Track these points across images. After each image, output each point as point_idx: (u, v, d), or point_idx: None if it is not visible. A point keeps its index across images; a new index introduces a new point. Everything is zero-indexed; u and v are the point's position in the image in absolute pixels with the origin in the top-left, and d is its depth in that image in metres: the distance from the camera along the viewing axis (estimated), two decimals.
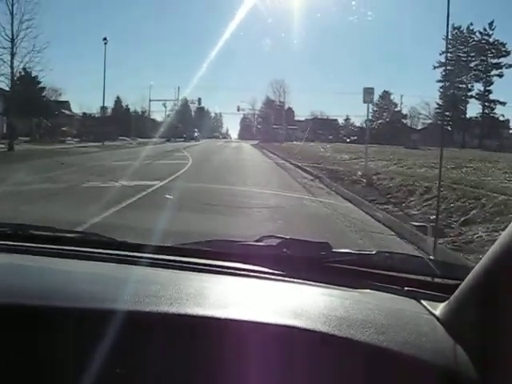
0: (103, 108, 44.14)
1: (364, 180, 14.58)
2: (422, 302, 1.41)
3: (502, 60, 70.59)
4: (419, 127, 72.56)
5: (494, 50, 71.13)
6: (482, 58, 71.90)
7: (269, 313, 1.24)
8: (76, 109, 67.81)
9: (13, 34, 29.05)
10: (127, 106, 70.39)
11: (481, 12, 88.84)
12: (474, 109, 74.36)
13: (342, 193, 13.33)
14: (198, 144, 54.20)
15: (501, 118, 71.75)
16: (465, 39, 72.69)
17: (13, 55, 28.78)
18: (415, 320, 1.28)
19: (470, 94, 73.36)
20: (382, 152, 29.91)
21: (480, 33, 71.43)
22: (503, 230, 1.08)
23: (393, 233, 8.11)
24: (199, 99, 68.25)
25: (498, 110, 71.57)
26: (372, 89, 15.72)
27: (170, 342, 1.20)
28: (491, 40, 70.88)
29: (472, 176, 14.62)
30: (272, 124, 70.78)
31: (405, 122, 75.38)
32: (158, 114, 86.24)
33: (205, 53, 75.77)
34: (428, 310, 1.34)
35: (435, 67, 73.21)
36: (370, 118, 76.60)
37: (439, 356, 1.11)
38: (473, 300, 1.14)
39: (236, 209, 9.75)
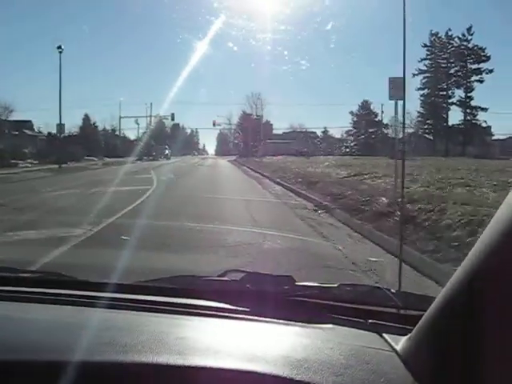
0: (60, 126, 38.52)
1: (395, 211, 9.51)
2: (385, 335, 1.37)
3: (481, 65, 67.48)
4: (401, 137, 67.90)
5: (473, 56, 67.84)
6: (461, 63, 68.76)
7: (227, 357, 1.21)
8: (43, 129, 62.06)
9: None
10: (95, 123, 64.61)
11: (458, 17, 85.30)
12: (455, 116, 71.25)
13: (374, 237, 8.39)
14: (170, 163, 48.14)
15: (483, 125, 68.44)
16: (443, 45, 69.58)
17: None
18: (376, 358, 1.23)
19: (450, 100, 70.15)
20: (377, 165, 25.15)
21: (459, 38, 68.38)
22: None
23: None
24: (172, 114, 62.75)
25: (480, 117, 68.46)
26: (400, 79, 10.43)
27: None
28: (470, 45, 67.76)
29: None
30: (250, 138, 65.92)
31: (386, 131, 70.95)
32: (131, 132, 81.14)
33: (178, 67, 72.10)
34: (390, 344, 1.30)
35: (414, 75, 70.00)
36: (351, 128, 75.58)
37: None
38: (433, 334, 1.09)
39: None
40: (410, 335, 1.22)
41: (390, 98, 11.25)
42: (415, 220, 8.79)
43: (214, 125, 67.70)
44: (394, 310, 1.57)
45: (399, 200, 10.27)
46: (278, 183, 20.35)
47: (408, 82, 73.09)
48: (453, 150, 64.38)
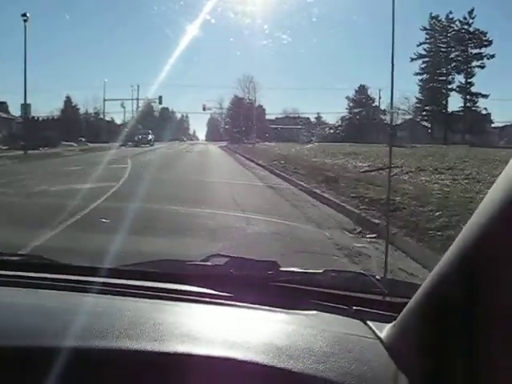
0: (25, 107, 33.16)
1: None
2: (369, 323, 1.34)
3: (483, 50, 64.17)
4: (399, 123, 64.44)
5: (474, 40, 64.34)
6: (462, 48, 65.24)
7: (207, 343, 1.18)
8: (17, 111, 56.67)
9: None
10: (75, 105, 59.04)
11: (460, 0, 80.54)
12: (455, 102, 68.05)
13: None
14: (154, 149, 41.83)
15: (483, 112, 65.18)
16: (444, 29, 65.62)
17: None
18: (359, 345, 1.20)
19: (450, 86, 66.82)
20: (388, 154, 20.93)
21: (460, 21, 64.93)
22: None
23: None
24: (160, 98, 57.82)
25: (481, 104, 65.20)
26: None
27: (101, 380, 1.11)
28: (471, 29, 64.23)
29: None
30: (241, 124, 61.29)
31: (383, 117, 66.75)
32: (117, 116, 76.03)
33: (167, 48, 66.62)
34: (374, 332, 1.27)
35: (413, 59, 66.37)
36: (347, 114, 71.23)
37: None
38: (418, 321, 1.06)
39: None
40: (394, 322, 1.19)
41: None
42: None
43: (204, 109, 62.65)
44: (379, 297, 1.51)
45: None
46: (287, 180, 15.18)
47: (405, 67, 70.01)
48: (451, 137, 61.30)
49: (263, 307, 1.45)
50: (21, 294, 1.56)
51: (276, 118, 73.96)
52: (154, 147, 46.25)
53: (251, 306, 1.46)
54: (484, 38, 63.54)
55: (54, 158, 26.10)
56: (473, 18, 63.57)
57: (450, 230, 6.23)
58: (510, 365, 0.86)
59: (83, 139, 48.88)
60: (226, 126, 74.44)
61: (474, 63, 64.55)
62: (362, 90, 68.55)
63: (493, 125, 67.70)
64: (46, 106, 79.82)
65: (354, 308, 1.45)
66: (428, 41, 66.25)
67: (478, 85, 66.22)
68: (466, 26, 64.36)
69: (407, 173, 14.01)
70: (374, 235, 6.85)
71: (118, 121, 66.63)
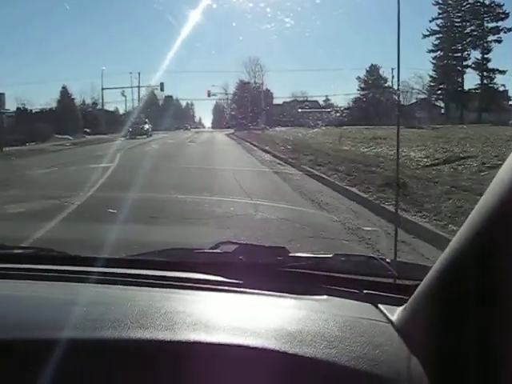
0: None
1: None
2: (380, 306, 1.33)
3: (499, 23, 59.10)
4: (412, 103, 60.03)
5: (490, 13, 59.50)
6: (477, 22, 60.37)
7: (218, 331, 1.16)
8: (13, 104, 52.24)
9: None
10: (70, 95, 53.54)
11: None
12: (471, 80, 63.34)
13: None
14: (152, 141, 34.80)
15: (501, 89, 60.35)
16: (457, 2, 60.56)
17: None
18: (371, 329, 1.18)
19: (466, 63, 61.93)
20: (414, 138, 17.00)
21: None
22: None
23: None
24: (161, 84, 53.52)
25: (498, 80, 60.39)
26: None
27: (113, 370, 1.10)
28: (487, 2, 59.35)
29: None
30: (248, 109, 56.75)
31: (397, 98, 62.10)
32: (119, 106, 71.58)
33: (168, 34, 61.72)
34: (385, 315, 1.26)
35: (425, 36, 61.57)
36: (358, 95, 67.01)
37: (392, 369, 1.04)
38: (430, 304, 1.05)
39: None
40: (405, 305, 1.18)
41: None
42: None
43: (208, 95, 58.18)
44: (389, 280, 1.49)
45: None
46: (333, 186, 9.98)
47: (419, 44, 65.52)
48: (467, 116, 56.96)
49: (273, 293, 1.43)
50: (31, 287, 1.53)
51: (284, 103, 69.36)
52: (153, 138, 40.76)
53: (261, 292, 1.43)
54: (500, 11, 58.58)
55: (30, 157, 21.52)
56: None
57: None
58: None
59: (88, 130, 44.92)
60: (232, 113, 69.94)
61: (490, 38, 59.61)
62: (374, 69, 63.70)
63: (510, 102, 62.38)
64: (45, 98, 74.30)
65: (365, 292, 1.42)
66: (441, 16, 61.48)
67: (495, 60, 61.50)
68: None
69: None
70: None
71: (121, 111, 62.02)
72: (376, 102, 61.12)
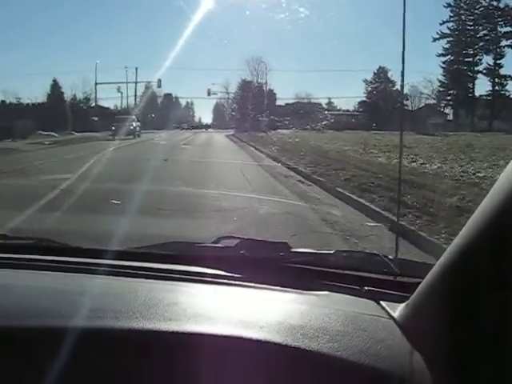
0: None
1: None
2: (382, 303, 1.31)
3: None
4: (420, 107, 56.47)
5: (504, 17, 56.08)
6: (490, 26, 57.62)
7: (220, 323, 1.15)
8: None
9: None
10: (60, 89, 48.73)
11: None
12: (482, 86, 60.63)
13: None
14: (140, 142, 29.97)
15: None
16: (470, 5, 57.62)
17: None
18: (373, 325, 1.17)
19: (477, 68, 58.74)
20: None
21: None
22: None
23: None
24: (159, 80, 49.43)
25: (510, 87, 57.66)
26: None
27: (116, 360, 1.10)
28: (501, 5, 56.06)
29: None
30: (250, 109, 52.63)
31: (405, 103, 58.17)
32: (114, 102, 67.03)
33: (167, 29, 57.52)
34: (387, 311, 1.25)
35: (435, 39, 58.15)
36: (365, 98, 63.24)
37: (394, 364, 1.03)
38: (430, 301, 1.05)
39: None
40: (407, 302, 1.17)
41: None
42: None
43: (208, 94, 54.24)
44: (390, 277, 1.47)
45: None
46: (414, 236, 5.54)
47: (429, 47, 61.79)
48: (478, 124, 54.15)
49: (275, 287, 1.41)
50: (33, 277, 1.53)
51: (286, 104, 65.32)
52: (142, 138, 34.60)
53: (263, 286, 1.42)
54: None
55: None
56: None
57: None
58: None
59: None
60: (233, 113, 65.85)
61: (504, 43, 56.53)
62: (382, 72, 59.76)
63: None
64: (37, 92, 69.03)
65: (366, 288, 1.40)
66: (453, 19, 58.28)
67: (508, 66, 59.69)
68: (494, 2, 56.37)
69: None
70: None
71: (118, 108, 57.33)
72: (384, 105, 57.13)
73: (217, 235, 1.72)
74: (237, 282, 1.44)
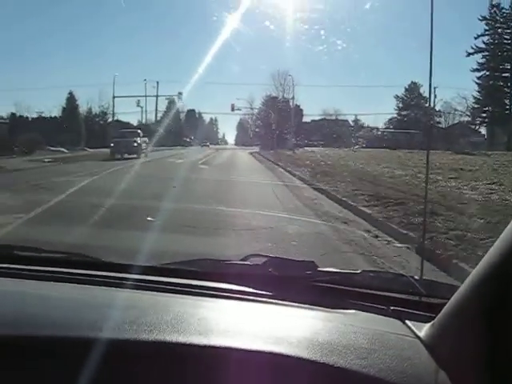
0: None
1: None
2: (407, 322, 1.30)
3: None
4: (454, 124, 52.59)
5: None
6: None
7: (250, 338, 1.15)
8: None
9: None
10: (75, 103, 45.86)
11: None
12: None
13: None
14: (147, 161, 25.37)
15: None
16: (507, 18, 54.25)
17: None
18: (399, 343, 1.17)
19: None
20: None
21: None
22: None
23: None
24: (179, 94, 46.79)
25: None
26: None
27: (148, 372, 1.10)
28: None
29: None
30: (276, 126, 49.16)
31: (438, 120, 54.09)
32: (132, 117, 64.06)
33: (192, 41, 54.48)
34: (413, 331, 1.24)
35: (469, 54, 54.31)
36: (395, 115, 59.29)
37: (420, 382, 1.02)
38: (457, 321, 1.05)
39: None
40: (433, 322, 1.16)
41: None
42: None
43: (232, 109, 51.09)
44: (416, 298, 1.46)
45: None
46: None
47: (460, 63, 57.79)
48: None
49: (302, 305, 1.40)
50: (67, 289, 1.53)
51: (312, 121, 61.77)
52: (150, 157, 28.34)
53: (291, 304, 1.42)
54: None
55: None
56: None
57: None
58: None
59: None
60: (257, 130, 62.35)
61: None
62: (414, 88, 55.82)
63: None
64: (50, 105, 65.95)
65: (392, 308, 1.40)
66: (488, 32, 54.39)
67: None
68: None
69: None
70: None
71: (135, 122, 54.12)
72: (416, 122, 53.04)
73: (245, 253, 1.71)
74: (265, 299, 1.43)
